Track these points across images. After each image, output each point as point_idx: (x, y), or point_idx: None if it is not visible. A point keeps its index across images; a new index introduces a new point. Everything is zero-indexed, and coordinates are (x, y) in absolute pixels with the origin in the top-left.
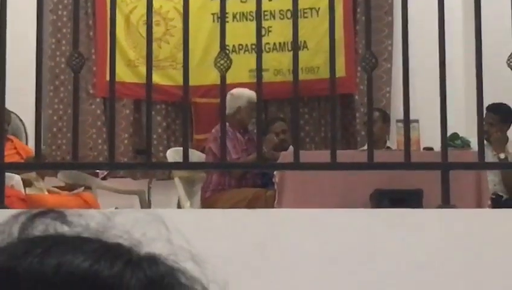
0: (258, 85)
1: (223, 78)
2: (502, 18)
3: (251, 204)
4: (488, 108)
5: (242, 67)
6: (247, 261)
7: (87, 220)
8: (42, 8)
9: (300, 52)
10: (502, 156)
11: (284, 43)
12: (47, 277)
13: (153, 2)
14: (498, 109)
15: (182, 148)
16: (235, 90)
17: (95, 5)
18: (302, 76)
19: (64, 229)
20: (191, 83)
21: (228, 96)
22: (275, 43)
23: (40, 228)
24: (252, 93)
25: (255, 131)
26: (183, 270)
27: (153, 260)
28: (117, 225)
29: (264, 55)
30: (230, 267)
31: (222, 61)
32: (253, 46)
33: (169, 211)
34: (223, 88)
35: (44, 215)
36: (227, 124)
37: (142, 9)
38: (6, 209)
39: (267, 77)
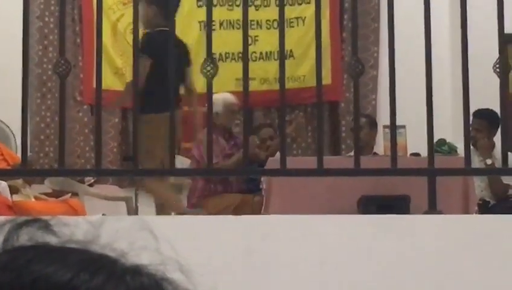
0: (244, 93)
1: (209, 85)
2: (488, 24)
3: (238, 210)
4: (474, 114)
5: (228, 75)
6: (233, 267)
7: (73, 229)
8: (28, 14)
9: (286, 61)
10: (489, 161)
11: (271, 52)
12: (25, 288)
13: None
14: (485, 114)
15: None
16: None
17: (82, 12)
18: (288, 85)
19: (51, 238)
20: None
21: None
22: (261, 52)
23: (25, 237)
24: (226, 96)
25: (242, 136)
26: (169, 280)
27: (137, 271)
28: (104, 234)
29: (251, 64)
30: (216, 274)
31: (209, 68)
32: (240, 55)
33: (156, 217)
34: (209, 95)
35: (29, 225)
36: None
37: (130, 17)
38: None
39: (253, 85)
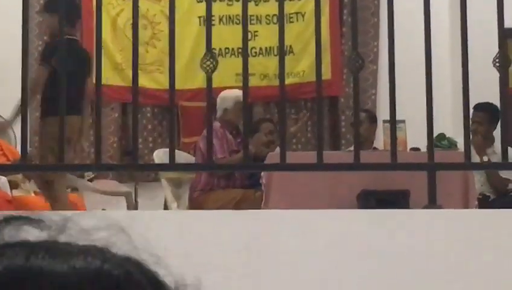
0: (244, 88)
1: (209, 79)
2: (488, 19)
3: (239, 205)
4: (475, 107)
5: (228, 71)
6: (234, 262)
7: (49, 224)
8: (28, 9)
9: (286, 57)
10: (485, 158)
11: (270, 48)
12: (66, 275)
13: (140, 5)
14: (485, 107)
15: (168, 149)
16: (222, 93)
17: (81, 7)
18: (288, 80)
19: (29, 234)
20: (178, 86)
21: (217, 100)
22: (261, 48)
23: (8, 234)
24: (238, 93)
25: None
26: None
27: (137, 261)
28: (79, 228)
29: (250, 59)
30: (217, 268)
31: (208, 62)
32: (240, 50)
33: (155, 212)
34: (209, 89)
35: (9, 222)
36: (219, 124)
37: (129, 13)
38: None
39: (253, 81)
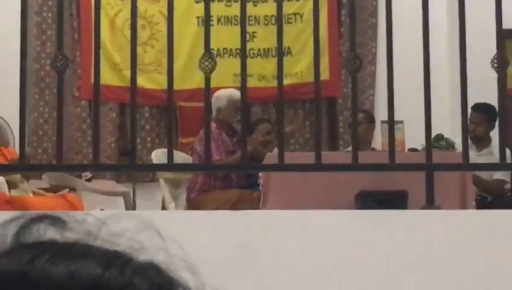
0: (242, 89)
1: (207, 79)
2: (486, 19)
3: (236, 205)
4: (472, 108)
5: (226, 71)
6: (231, 262)
7: (82, 225)
8: (26, 9)
9: (284, 58)
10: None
11: (268, 49)
12: (61, 283)
13: (138, 6)
14: (483, 108)
15: (166, 149)
16: (216, 92)
17: (80, 7)
18: (286, 81)
19: (60, 235)
20: (176, 86)
21: (212, 99)
22: (259, 49)
23: (35, 234)
24: (231, 92)
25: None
26: (180, 280)
27: (155, 268)
28: (112, 231)
29: (248, 60)
30: (214, 268)
31: (207, 62)
32: (238, 51)
33: (153, 212)
34: (207, 89)
35: (40, 221)
36: (214, 125)
37: (127, 13)
38: None
39: (251, 82)
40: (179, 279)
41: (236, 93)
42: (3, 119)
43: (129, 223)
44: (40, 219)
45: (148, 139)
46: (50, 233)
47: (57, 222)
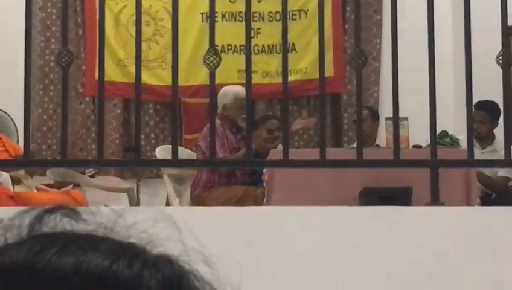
0: (247, 85)
1: (212, 75)
2: (492, 16)
3: (241, 202)
4: (476, 106)
5: (231, 67)
6: (236, 259)
7: (97, 217)
8: (31, 5)
9: (288, 55)
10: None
11: (273, 45)
12: (67, 275)
13: (143, 2)
14: (487, 106)
15: (171, 146)
16: (223, 89)
17: (84, 3)
18: (290, 77)
19: (74, 227)
20: (180, 83)
21: (218, 95)
22: (263, 45)
23: (49, 225)
24: (238, 89)
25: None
26: (194, 272)
27: (167, 260)
28: (127, 223)
29: (253, 57)
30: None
31: (211, 58)
32: (242, 47)
33: (157, 208)
34: (212, 85)
35: (54, 212)
36: (218, 122)
37: (132, 9)
38: None
39: (255, 78)
40: (194, 271)
41: (243, 91)
42: (8, 115)
43: (145, 215)
44: (53, 210)
45: (153, 135)
46: (63, 225)
47: (70, 213)
